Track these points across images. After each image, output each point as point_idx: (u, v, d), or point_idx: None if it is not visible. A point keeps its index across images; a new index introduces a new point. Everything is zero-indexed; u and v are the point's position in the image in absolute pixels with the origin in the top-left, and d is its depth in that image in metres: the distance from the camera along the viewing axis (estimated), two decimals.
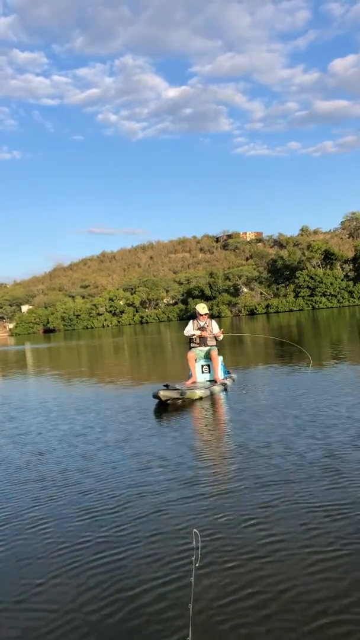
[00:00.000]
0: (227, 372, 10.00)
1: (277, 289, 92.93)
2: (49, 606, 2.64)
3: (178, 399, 8.18)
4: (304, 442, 5.27)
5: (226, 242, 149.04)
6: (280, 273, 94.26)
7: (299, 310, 79.27)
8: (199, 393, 8.46)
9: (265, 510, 3.65)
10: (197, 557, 1.67)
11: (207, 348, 9.80)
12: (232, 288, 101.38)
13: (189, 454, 5.35)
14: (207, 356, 9.78)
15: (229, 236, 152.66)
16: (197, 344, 9.84)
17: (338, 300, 79.05)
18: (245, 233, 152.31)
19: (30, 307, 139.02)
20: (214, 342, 9.90)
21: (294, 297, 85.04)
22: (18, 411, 9.02)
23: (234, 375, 10.18)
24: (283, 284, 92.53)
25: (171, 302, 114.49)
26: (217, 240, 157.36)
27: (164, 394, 8.05)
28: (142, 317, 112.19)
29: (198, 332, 9.86)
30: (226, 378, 9.74)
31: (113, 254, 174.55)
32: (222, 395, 8.79)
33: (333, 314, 50.05)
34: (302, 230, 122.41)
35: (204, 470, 4.68)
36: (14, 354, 34.50)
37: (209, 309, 10.82)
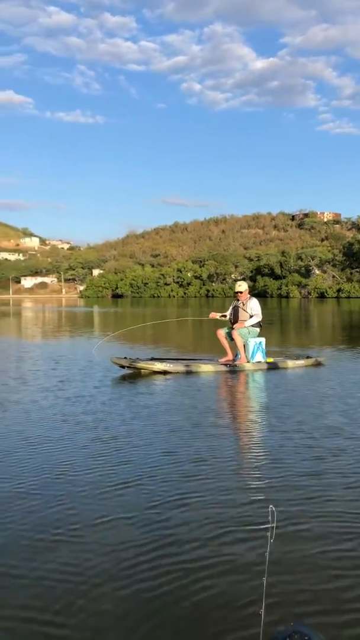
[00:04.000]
0: (265, 355, 9.17)
1: (351, 273, 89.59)
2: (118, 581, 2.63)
3: (125, 366, 8.44)
4: None
5: (302, 221, 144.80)
6: (356, 257, 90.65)
7: None
8: (159, 366, 8.40)
9: (347, 492, 3.51)
10: (272, 533, 1.73)
11: (229, 328, 9.33)
12: (303, 269, 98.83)
13: (265, 430, 5.22)
14: (231, 335, 9.22)
15: (306, 215, 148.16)
16: (231, 322, 9.43)
17: None
18: (323, 213, 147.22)
19: (101, 271, 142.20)
20: (249, 323, 9.17)
21: None
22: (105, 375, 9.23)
23: (282, 361, 9.20)
24: (358, 269, 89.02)
25: (239, 277, 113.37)
26: (293, 218, 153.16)
27: (114, 360, 8.54)
28: (208, 290, 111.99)
29: (212, 314, 9.81)
30: (259, 361, 8.97)
31: (185, 225, 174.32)
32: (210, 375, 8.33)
33: None
34: None
35: (285, 448, 4.54)
36: (83, 315, 35.52)
37: (251, 288, 9.91)
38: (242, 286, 9.56)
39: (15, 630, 2.14)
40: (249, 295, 9.53)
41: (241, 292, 9.43)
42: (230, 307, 9.61)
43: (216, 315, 9.87)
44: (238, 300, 9.49)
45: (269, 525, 1.74)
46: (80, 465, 4.08)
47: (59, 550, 2.77)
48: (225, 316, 9.70)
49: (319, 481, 3.74)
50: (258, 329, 9.31)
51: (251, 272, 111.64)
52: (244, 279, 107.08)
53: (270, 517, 1.72)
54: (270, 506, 1.80)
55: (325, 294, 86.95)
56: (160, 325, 20.70)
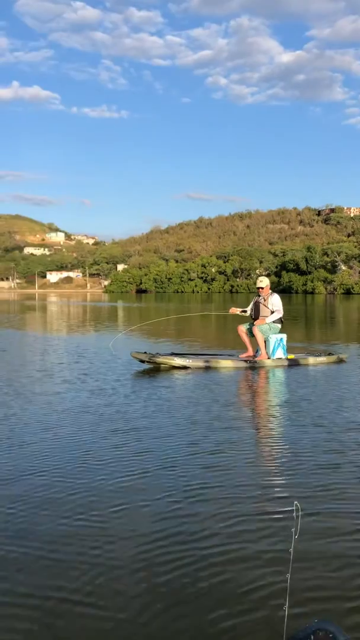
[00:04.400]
0: (286, 352, 9.10)
1: None
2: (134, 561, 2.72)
3: (145, 361, 8.47)
4: None
5: (328, 216, 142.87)
6: None
7: None
8: (178, 361, 8.43)
9: None
10: (297, 529, 1.71)
11: (250, 324, 9.31)
12: (329, 264, 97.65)
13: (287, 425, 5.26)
14: (252, 331, 9.23)
15: (332, 210, 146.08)
16: (252, 318, 9.41)
17: None
18: (350, 208, 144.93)
19: (126, 266, 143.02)
20: (270, 319, 9.13)
21: None
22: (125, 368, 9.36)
23: (303, 358, 9.17)
24: None
25: (264, 273, 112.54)
26: (319, 213, 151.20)
27: (134, 354, 8.56)
28: (232, 286, 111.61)
29: (232, 309, 9.87)
30: (280, 358, 8.93)
31: (210, 220, 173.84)
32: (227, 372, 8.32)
33: None
34: None
35: (304, 442, 4.58)
36: (107, 309, 35.83)
37: (272, 283, 9.79)
38: (264, 282, 9.52)
39: (38, 607, 2.25)
40: (270, 291, 9.49)
41: (262, 288, 9.40)
42: (252, 303, 9.59)
43: (236, 310, 9.87)
44: (259, 296, 9.46)
45: (294, 521, 1.70)
46: (101, 455, 4.19)
47: (80, 536, 2.87)
48: (245, 312, 9.70)
49: (340, 475, 3.77)
50: (279, 325, 9.29)
51: (276, 267, 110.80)
52: (268, 275, 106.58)
53: (295, 513, 1.69)
54: (295, 502, 1.78)
55: (352, 290, 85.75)
56: (181, 321, 20.77)
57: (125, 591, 2.35)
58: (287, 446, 4.49)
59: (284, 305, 9.57)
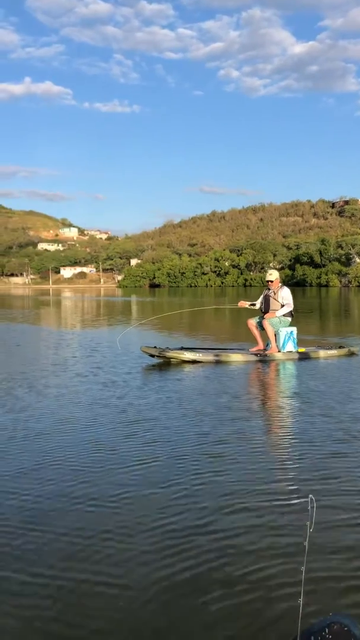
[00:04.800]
0: (296, 345, 9.08)
1: None
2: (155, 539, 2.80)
3: (155, 356, 8.55)
4: None
5: (342, 209, 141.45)
6: None
7: None
8: (188, 355, 8.47)
9: None
10: (312, 522, 1.72)
11: (260, 318, 9.33)
12: (343, 257, 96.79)
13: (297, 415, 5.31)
14: (262, 325, 9.25)
15: (346, 202, 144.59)
16: (262, 311, 9.41)
17: None
18: None
19: (139, 261, 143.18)
20: (281, 312, 9.14)
21: None
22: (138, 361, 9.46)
23: (313, 351, 9.14)
24: None
25: (277, 266, 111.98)
26: (333, 205, 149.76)
27: (144, 349, 8.63)
28: (246, 279, 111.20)
29: (241, 303, 9.92)
30: (290, 351, 8.93)
31: (223, 213, 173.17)
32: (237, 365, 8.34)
33: None
34: None
35: (316, 432, 4.63)
36: (121, 304, 35.98)
37: (282, 277, 9.65)
38: (273, 275, 9.51)
39: (48, 577, 2.34)
40: (280, 284, 9.49)
41: (272, 281, 9.40)
42: (261, 296, 9.59)
43: (245, 304, 9.90)
44: (269, 289, 9.46)
45: (308, 513, 1.68)
46: (114, 445, 4.28)
47: (93, 524, 2.96)
48: (254, 305, 9.72)
49: (351, 465, 3.81)
50: (289, 319, 9.29)
51: (290, 260, 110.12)
52: (282, 268, 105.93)
53: (309, 506, 1.67)
54: (310, 495, 1.75)
55: None
56: (191, 315, 20.82)
57: (136, 580, 2.40)
58: (298, 437, 4.54)
59: (296, 299, 9.54)
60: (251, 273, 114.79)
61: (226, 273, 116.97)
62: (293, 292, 9.73)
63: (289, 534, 2.78)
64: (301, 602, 1.72)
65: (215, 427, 4.78)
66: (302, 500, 3.12)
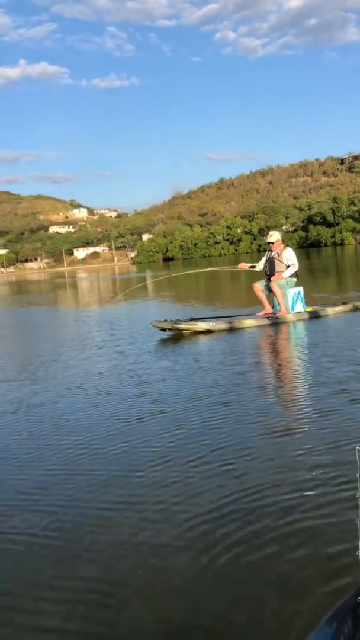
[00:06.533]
0: (305, 305, 8.99)
1: None
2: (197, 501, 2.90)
3: (167, 329, 8.23)
4: None
5: (352, 164, 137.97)
6: None
7: None
8: (202, 325, 8.22)
9: None
10: None
11: (266, 281, 9.17)
12: (357, 214, 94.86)
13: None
14: (269, 288, 9.08)
15: (355, 157, 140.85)
16: (267, 274, 9.21)
17: None
18: None
19: (151, 236, 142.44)
20: (287, 273, 8.98)
21: None
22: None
23: (321, 309, 9.02)
24: None
25: (291, 229, 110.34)
26: (342, 162, 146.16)
27: (155, 323, 8.33)
28: (259, 245, 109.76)
29: (241, 265, 9.87)
30: (300, 311, 8.83)
31: (231, 180, 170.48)
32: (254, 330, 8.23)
33: None
34: None
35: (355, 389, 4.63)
36: (135, 280, 36.01)
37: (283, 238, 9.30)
38: (274, 236, 9.29)
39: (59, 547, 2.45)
40: (282, 245, 9.29)
41: (273, 243, 9.20)
42: (264, 259, 9.41)
43: (245, 266, 9.77)
44: (272, 251, 9.26)
45: (357, 466, 1.57)
46: (130, 420, 4.34)
47: (111, 492, 3.03)
48: (254, 267, 9.61)
49: None
50: (295, 279, 9.21)
51: (302, 222, 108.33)
52: (295, 230, 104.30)
53: (357, 458, 1.57)
54: (357, 447, 1.72)
55: None
56: (193, 283, 20.70)
57: (170, 560, 2.38)
58: (338, 393, 4.57)
59: (310, 260, 9.40)
60: (264, 238, 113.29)
61: (239, 240, 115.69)
62: (308, 254, 9.63)
63: (339, 489, 2.73)
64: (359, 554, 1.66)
65: (240, 399, 4.81)
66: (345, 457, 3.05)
